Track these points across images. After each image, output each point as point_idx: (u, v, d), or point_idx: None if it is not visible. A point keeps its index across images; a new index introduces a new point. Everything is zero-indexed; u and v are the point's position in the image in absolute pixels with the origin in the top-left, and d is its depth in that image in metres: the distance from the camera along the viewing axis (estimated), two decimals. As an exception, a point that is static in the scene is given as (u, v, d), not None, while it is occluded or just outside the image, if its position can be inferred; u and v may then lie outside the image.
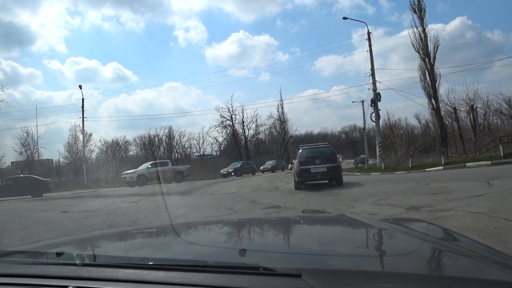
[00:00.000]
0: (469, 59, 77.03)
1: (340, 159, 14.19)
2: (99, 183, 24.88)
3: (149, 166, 21.99)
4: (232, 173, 31.05)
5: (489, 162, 15.47)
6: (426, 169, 17.88)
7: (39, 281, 1.06)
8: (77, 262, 1.10)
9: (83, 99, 33.29)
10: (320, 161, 11.89)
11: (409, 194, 8.08)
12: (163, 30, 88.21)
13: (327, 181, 12.29)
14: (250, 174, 31.93)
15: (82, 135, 34.96)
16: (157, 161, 23.96)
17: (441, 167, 17.27)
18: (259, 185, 15.83)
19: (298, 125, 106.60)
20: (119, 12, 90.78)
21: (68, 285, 1.00)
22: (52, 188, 22.13)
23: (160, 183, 13.93)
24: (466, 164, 16.32)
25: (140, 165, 22.60)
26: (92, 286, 1.00)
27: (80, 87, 33.87)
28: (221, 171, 32.88)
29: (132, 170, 21.42)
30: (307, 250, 1.35)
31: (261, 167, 37.09)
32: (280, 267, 0.97)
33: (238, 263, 1.08)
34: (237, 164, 33.93)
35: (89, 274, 1.06)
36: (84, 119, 33.48)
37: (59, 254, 1.23)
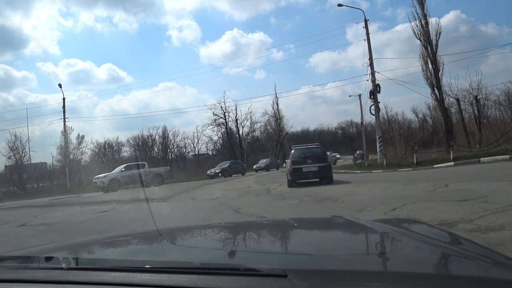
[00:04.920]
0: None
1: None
2: (79, 188, 23.26)
3: (123, 169, 20.14)
4: (220, 174, 29.21)
5: (507, 157, 13.83)
6: (434, 166, 16.20)
7: (27, 286, 1.06)
8: (63, 266, 1.08)
9: (64, 99, 31.44)
10: (312, 160, 12.47)
11: (429, 201, 6.32)
12: (157, 30, 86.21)
13: (318, 180, 12.67)
14: (240, 175, 30.07)
15: (65, 137, 32.99)
16: (132, 163, 22.23)
17: (452, 163, 15.63)
18: (249, 187, 14.43)
19: (294, 122, 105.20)
20: (112, 13, 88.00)
21: None
22: (2, 197, 20.29)
23: (134, 188, 12.28)
24: (481, 159, 14.66)
25: (115, 168, 20.78)
26: None
27: (60, 86, 32.01)
28: (208, 172, 31.04)
29: (103, 174, 19.69)
30: (294, 251, 1.35)
31: (254, 166, 35.39)
32: (266, 268, 0.95)
33: (225, 264, 1.07)
34: (225, 164, 31.95)
35: (76, 277, 1.05)
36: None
37: (48, 259, 1.20)
